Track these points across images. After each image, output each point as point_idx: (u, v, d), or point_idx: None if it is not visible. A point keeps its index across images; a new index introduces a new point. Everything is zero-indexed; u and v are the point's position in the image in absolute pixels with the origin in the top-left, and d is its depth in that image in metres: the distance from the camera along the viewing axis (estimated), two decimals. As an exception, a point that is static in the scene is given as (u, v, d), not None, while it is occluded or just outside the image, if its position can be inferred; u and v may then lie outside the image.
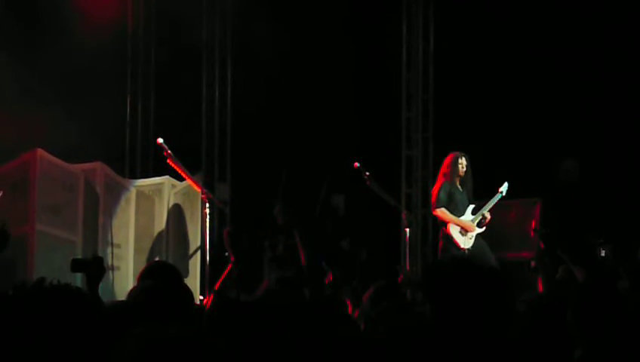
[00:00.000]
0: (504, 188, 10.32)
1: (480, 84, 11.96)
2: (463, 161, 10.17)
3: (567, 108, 11.69)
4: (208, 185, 11.30)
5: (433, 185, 10.63)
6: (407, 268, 10.43)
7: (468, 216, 10.16)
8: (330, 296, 5.87)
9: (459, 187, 10.21)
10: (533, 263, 9.66)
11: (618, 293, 4.12)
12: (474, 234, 10.13)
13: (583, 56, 11.64)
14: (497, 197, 10.31)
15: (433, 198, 10.30)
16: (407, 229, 10.58)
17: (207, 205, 9.40)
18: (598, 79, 11.60)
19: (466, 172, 10.20)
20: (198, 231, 10.53)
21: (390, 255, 12.02)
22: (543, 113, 11.82)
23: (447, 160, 10.27)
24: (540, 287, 8.21)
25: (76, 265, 5.02)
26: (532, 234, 10.71)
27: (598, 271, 8.84)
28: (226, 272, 8.80)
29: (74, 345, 2.37)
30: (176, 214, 10.60)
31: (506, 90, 11.86)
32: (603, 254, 9.33)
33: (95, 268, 4.91)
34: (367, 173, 10.03)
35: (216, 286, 8.60)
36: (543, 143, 11.59)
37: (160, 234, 10.42)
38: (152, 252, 10.19)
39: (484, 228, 10.17)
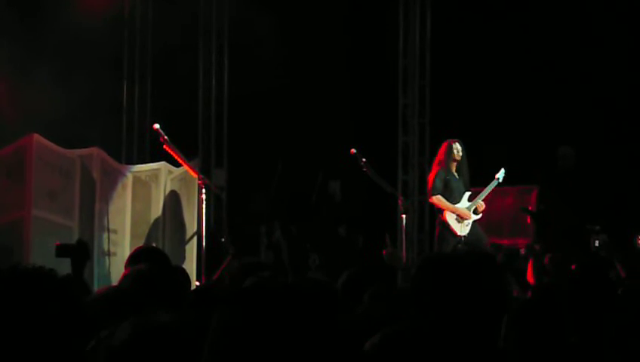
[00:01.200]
0: (501, 174, 10.31)
1: (477, 70, 11.95)
2: (457, 146, 10.16)
3: (565, 94, 11.68)
4: (205, 171, 11.29)
5: (430, 171, 10.63)
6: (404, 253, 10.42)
7: (464, 203, 10.15)
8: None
9: (455, 174, 10.20)
10: (522, 250, 9.70)
11: (610, 281, 4.13)
12: (470, 221, 10.12)
13: (581, 42, 11.63)
14: (494, 183, 10.30)
15: (429, 186, 10.30)
16: (404, 216, 10.58)
17: (204, 191, 9.39)
18: (596, 66, 11.60)
19: (461, 157, 10.18)
20: (194, 216, 10.52)
21: (386, 241, 12.02)
22: (539, 99, 11.82)
23: (442, 148, 10.27)
24: (529, 273, 8.23)
25: (61, 251, 5.01)
26: (529, 220, 10.73)
27: (590, 259, 8.86)
28: (224, 264, 8.79)
29: (55, 331, 2.34)
30: (173, 200, 10.59)
31: (503, 77, 11.85)
32: (597, 244, 9.34)
33: (79, 253, 4.91)
34: (364, 160, 10.02)
35: (215, 277, 8.59)
36: (539, 130, 11.59)
37: (156, 219, 10.41)
38: (149, 237, 10.17)
39: (480, 215, 10.17)
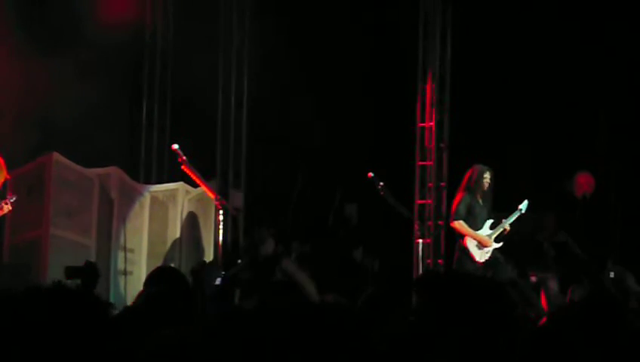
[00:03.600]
0: (524, 205, 10.19)
1: (496, 95, 11.94)
2: (488, 176, 10.08)
3: (585, 121, 11.66)
4: (222, 192, 11.31)
5: (450, 196, 10.58)
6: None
7: (486, 231, 10.07)
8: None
9: (479, 201, 10.12)
10: (534, 278, 9.62)
11: (620, 311, 4.10)
12: (490, 248, 10.04)
13: (601, 68, 11.61)
14: (516, 214, 10.20)
15: (453, 210, 10.19)
16: (420, 240, 10.56)
17: (221, 212, 9.40)
18: (619, 92, 11.57)
19: (488, 186, 10.14)
20: (211, 237, 10.55)
21: (402, 266, 12.00)
22: (559, 126, 11.80)
23: (473, 174, 10.13)
24: (543, 301, 8.20)
25: (70, 272, 5.05)
26: (544, 248, 10.68)
27: (601, 287, 8.81)
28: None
29: (85, 347, 2.39)
30: (190, 220, 10.63)
31: (522, 102, 11.84)
32: (612, 276, 9.28)
33: (89, 273, 4.96)
34: (381, 183, 10.01)
35: None
36: (558, 157, 11.57)
37: (174, 240, 10.44)
38: (166, 257, 10.21)
39: (501, 243, 10.08)
